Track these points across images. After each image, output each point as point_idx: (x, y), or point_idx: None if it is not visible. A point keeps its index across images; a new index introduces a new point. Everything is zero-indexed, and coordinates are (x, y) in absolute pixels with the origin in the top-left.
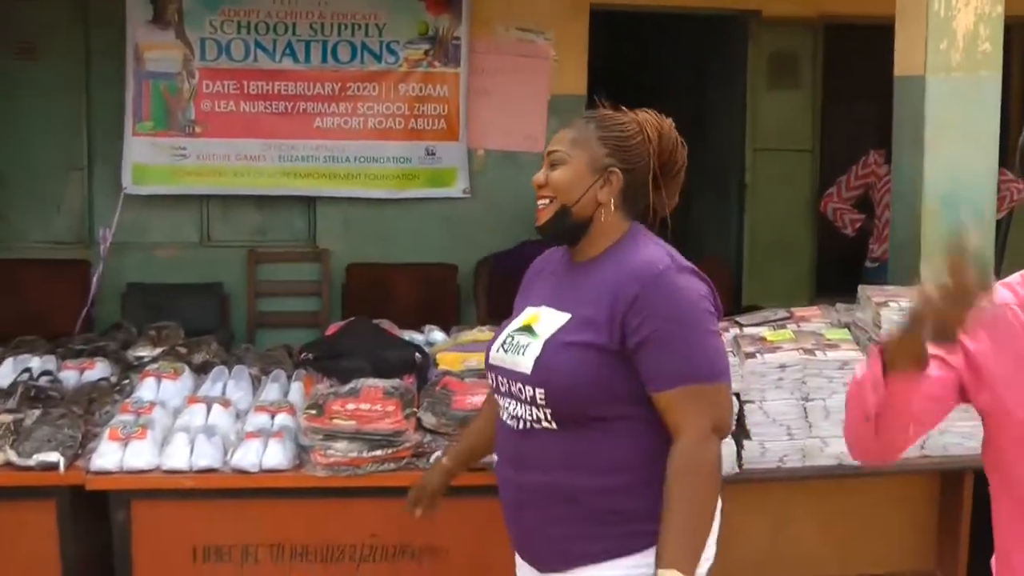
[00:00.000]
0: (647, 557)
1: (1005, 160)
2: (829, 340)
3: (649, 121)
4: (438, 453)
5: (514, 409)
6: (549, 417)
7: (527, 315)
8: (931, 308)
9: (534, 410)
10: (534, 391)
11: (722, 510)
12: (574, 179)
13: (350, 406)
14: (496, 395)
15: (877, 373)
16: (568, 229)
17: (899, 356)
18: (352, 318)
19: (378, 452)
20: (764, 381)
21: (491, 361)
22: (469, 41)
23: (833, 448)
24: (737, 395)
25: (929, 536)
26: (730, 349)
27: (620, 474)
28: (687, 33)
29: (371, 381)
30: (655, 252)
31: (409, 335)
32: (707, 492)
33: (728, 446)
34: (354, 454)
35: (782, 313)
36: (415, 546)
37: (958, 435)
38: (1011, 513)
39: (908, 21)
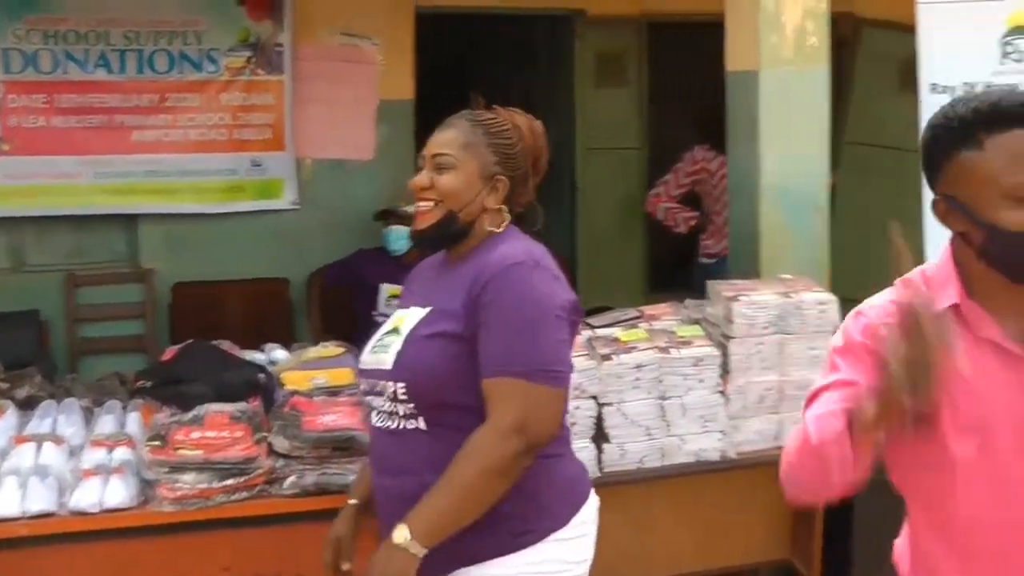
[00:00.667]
0: (523, 557)
1: None
2: (682, 337)
3: (525, 125)
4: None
5: (382, 408)
6: (414, 412)
7: (395, 318)
8: (901, 387)
9: (399, 407)
10: (395, 386)
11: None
12: (464, 185)
13: (195, 435)
14: (367, 399)
15: (844, 436)
16: (450, 235)
17: (880, 421)
18: (189, 341)
19: (229, 481)
20: (622, 382)
21: (361, 366)
22: (292, 48)
23: (691, 445)
24: (595, 398)
25: (785, 526)
26: (585, 352)
27: None
28: (514, 33)
29: (215, 406)
30: (517, 247)
31: (250, 355)
32: (480, 483)
33: (588, 451)
34: (203, 485)
35: (632, 313)
36: (269, 575)
37: None
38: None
39: (738, 17)
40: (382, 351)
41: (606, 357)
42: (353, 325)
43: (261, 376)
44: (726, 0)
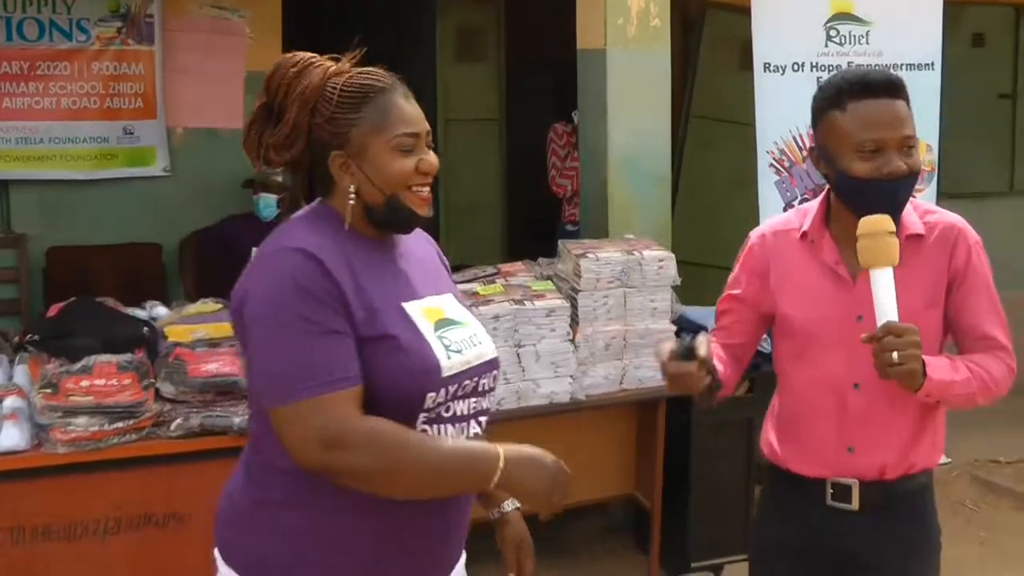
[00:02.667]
0: None
1: (673, 121)
2: (536, 291)
3: None
4: None
5: (477, 408)
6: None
7: (426, 310)
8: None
9: (493, 398)
10: (498, 373)
11: None
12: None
13: (84, 383)
14: (453, 409)
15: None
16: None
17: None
18: (73, 298)
19: (119, 424)
20: None
21: (452, 371)
22: (162, 19)
23: (544, 389)
24: None
25: (630, 463)
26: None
27: None
28: (379, 8)
29: (103, 357)
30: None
31: (132, 311)
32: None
33: None
34: (95, 428)
35: (490, 270)
36: (159, 514)
37: (651, 369)
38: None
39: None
40: (471, 346)
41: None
42: (224, 289)
43: (145, 330)
44: None
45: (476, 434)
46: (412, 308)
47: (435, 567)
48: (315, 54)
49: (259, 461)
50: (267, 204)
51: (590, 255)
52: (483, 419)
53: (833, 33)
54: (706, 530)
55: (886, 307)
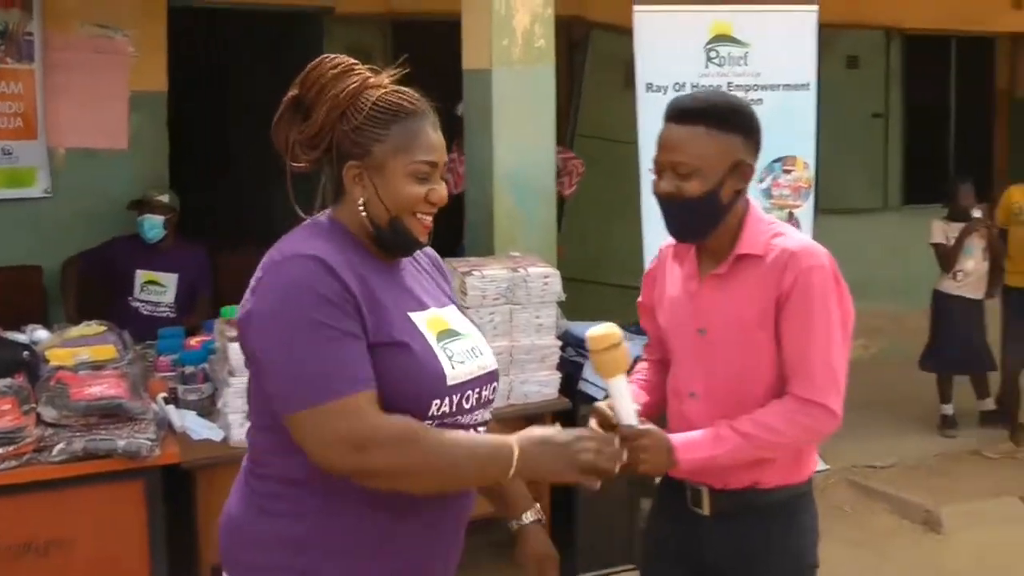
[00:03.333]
0: None
1: (560, 139)
2: None
3: None
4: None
5: (478, 420)
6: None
7: (430, 320)
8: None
9: (491, 409)
10: (497, 384)
11: None
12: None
13: None
14: (462, 419)
15: None
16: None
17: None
18: None
19: None
20: None
21: (453, 381)
22: (43, 37)
23: None
24: None
25: None
26: None
27: None
28: (267, 29)
29: None
30: None
31: (11, 335)
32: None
33: None
34: None
35: None
36: (40, 541)
37: (537, 383)
38: None
39: (473, 20)
40: (473, 356)
41: None
42: (107, 311)
43: (25, 353)
44: (462, 3)
45: None
46: (418, 318)
47: (439, 570)
48: (357, 61)
49: (262, 475)
50: (152, 225)
51: (475, 273)
52: (483, 430)
53: (713, 55)
54: (592, 541)
55: (623, 412)
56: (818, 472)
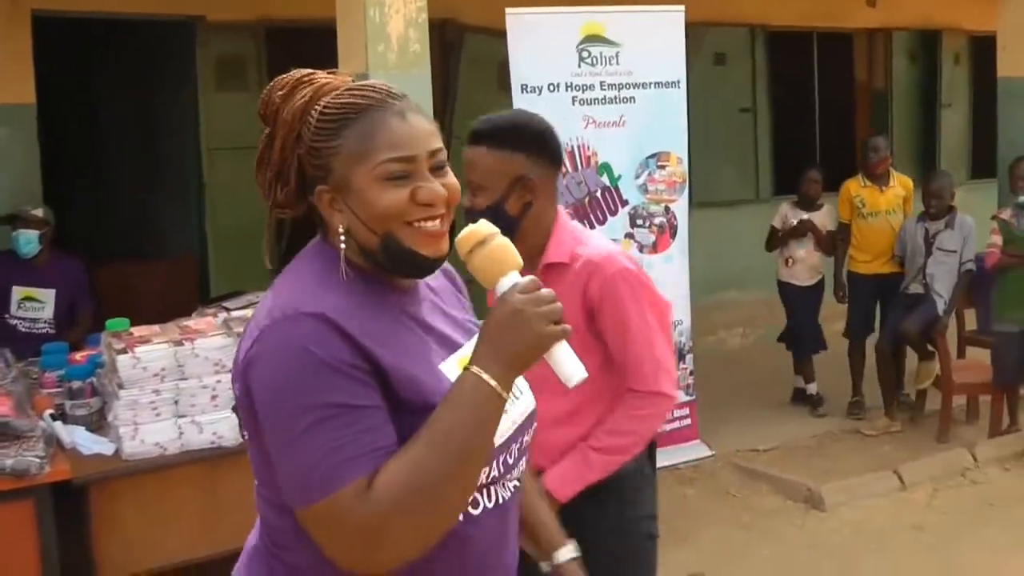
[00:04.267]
0: None
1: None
2: None
3: None
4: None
5: (520, 469)
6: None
7: (464, 361)
8: None
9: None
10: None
11: None
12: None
13: None
14: (502, 482)
15: None
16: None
17: None
18: None
19: None
20: None
21: (502, 438)
22: None
23: None
24: None
25: None
26: (223, 331)
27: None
28: (137, 40)
29: None
30: None
31: None
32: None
33: (230, 420)
34: None
35: (262, 295)
36: None
37: None
38: None
39: (347, 26)
40: (513, 400)
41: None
42: None
43: None
44: (337, 10)
45: (517, 488)
46: (449, 367)
47: None
48: (315, 71)
49: (292, 565)
50: (27, 240)
51: None
52: (511, 490)
53: (585, 54)
54: None
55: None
56: (704, 458)
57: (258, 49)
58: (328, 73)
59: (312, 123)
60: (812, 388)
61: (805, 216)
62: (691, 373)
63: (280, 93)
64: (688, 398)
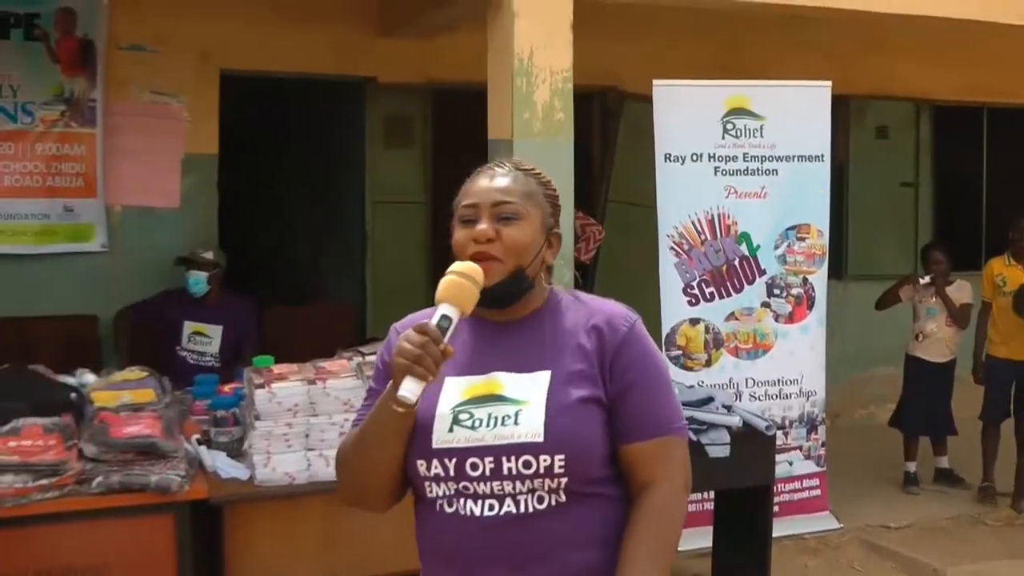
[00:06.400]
0: None
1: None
2: None
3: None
4: None
5: (507, 491)
6: (560, 487)
7: (474, 386)
8: None
9: (546, 482)
10: (551, 460)
11: None
12: (532, 238)
13: (12, 443)
14: (442, 486)
15: None
16: (518, 293)
17: None
18: (5, 365)
19: (43, 481)
20: None
21: (441, 445)
22: (105, 103)
23: None
24: None
25: None
26: (354, 374)
27: (607, 546)
28: (312, 97)
29: (30, 420)
30: (609, 302)
31: (63, 378)
32: (675, 545)
33: None
34: (19, 485)
35: None
36: (78, 567)
37: None
38: None
39: (497, 94)
40: (496, 425)
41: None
42: (155, 359)
43: (73, 395)
44: (489, 78)
45: (514, 514)
46: (455, 381)
47: None
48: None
49: None
50: (196, 281)
51: None
52: (527, 498)
53: (729, 126)
54: None
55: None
56: (831, 530)
57: (424, 109)
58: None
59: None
60: (912, 467)
61: (932, 291)
62: (823, 444)
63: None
64: (819, 469)
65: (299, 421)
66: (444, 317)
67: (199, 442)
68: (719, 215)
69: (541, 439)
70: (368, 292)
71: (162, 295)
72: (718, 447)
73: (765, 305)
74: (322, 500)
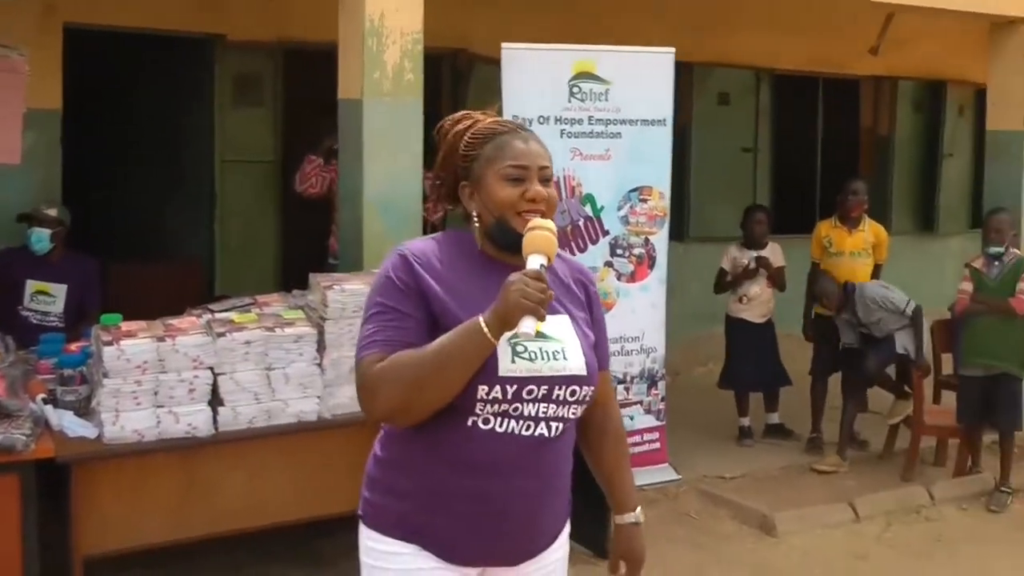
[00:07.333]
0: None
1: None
2: (286, 319)
3: None
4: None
5: (548, 414)
6: (577, 414)
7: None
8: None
9: (577, 409)
10: (589, 391)
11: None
12: (556, 196)
13: None
14: (494, 407)
15: None
16: None
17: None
18: None
19: None
20: (233, 356)
21: (506, 373)
22: None
23: (293, 408)
24: (211, 369)
25: None
26: (203, 331)
27: (572, 456)
28: (161, 53)
29: None
30: (574, 259)
31: None
32: None
33: (205, 413)
34: None
35: (247, 300)
36: None
37: None
38: None
39: (347, 53)
40: (551, 358)
41: (220, 335)
42: None
43: None
44: (340, 39)
45: (545, 436)
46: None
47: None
48: (473, 111)
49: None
50: (39, 238)
51: (336, 287)
52: (559, 425)
53: (576, 90)
54: None
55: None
56: (670, 481)
57: (275, 68)
58: (482, 113)
59: (466, 139)
60: (745, 421)
61: (751, 254)
62: (663, 400)
63: (450, 122)
64: (659, 423)
65: (148, 378)
66: (542, 266)
67: (45, 401)
68: (564, 177)
69: (584, 372)
70: (216, 250)
71: (2, 253)
72: None
73: (608, 264)
74: (174, 457)
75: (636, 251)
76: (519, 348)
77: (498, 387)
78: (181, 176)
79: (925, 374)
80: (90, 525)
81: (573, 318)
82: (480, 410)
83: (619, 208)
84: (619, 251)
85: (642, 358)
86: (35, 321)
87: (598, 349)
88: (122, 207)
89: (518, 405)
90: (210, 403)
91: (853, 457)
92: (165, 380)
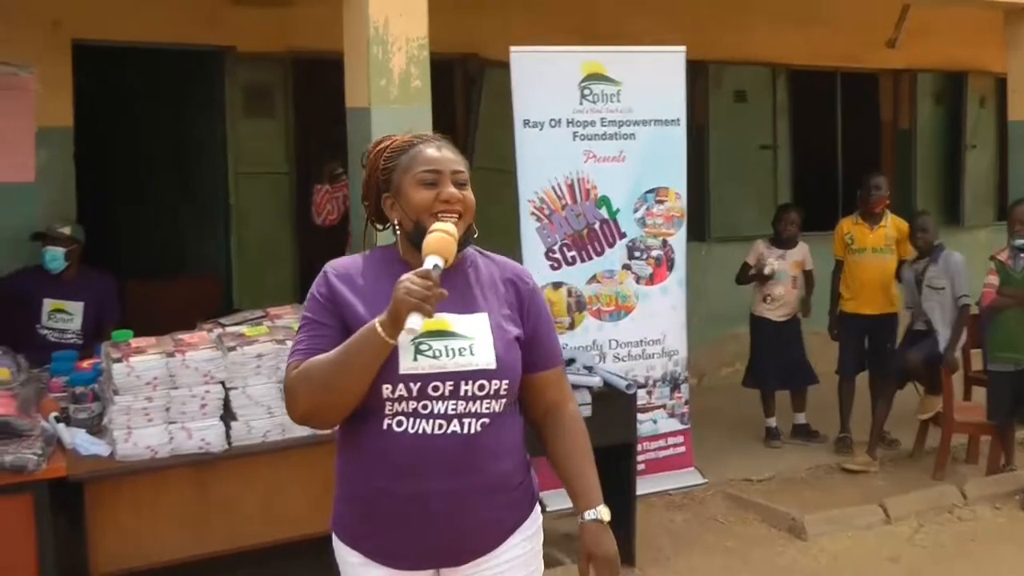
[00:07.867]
0: (534, 519)
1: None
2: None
3: None
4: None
5: (460, 411)
6: (501, 408)
7: (426, 323)
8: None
9: (493, 404)
10: (500, 384)
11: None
12: (473, 200)
13: None
14: (402, 405)
15: None
16: (466, 244)
17: None
18: None
19: None
20: (244, 369)
21: (407, 371)
22: None
23: None
24: (223, 383)
25: None
26: (213, 345)
27: (520, 451)
28: (169, 66)
29: None
30: (511, 261)
31: None
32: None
33: (218, 428)
34: None
35: (259, 313)
36: None
37: None
38: None
39: (353, 62)
40: (456, 355)
41: (231, 348)
42: (14, 337)
43: None
44: (345, 47)
45: (460, 434)
46: (417, 317)
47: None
48: (394, 135)
49: None
50: (53, 257)
51: None
52: (473, 421)
53: (587, 92)
54: None
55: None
56: (696, 485)
57: (285, 79)
58: (401, 133)
59: (385, 155)
60: (772, 422)
61: (779, 252)
62: (686, 403)
63: (371, 146)
64: (683, 427)
65: (159, 394)
66: (436, 267)
67: (57, 420)
68: (579, 179)
69: (494, 367)
70: (233, 263)
71: (17, 272)
72: (580, 407)
73: (626, 267)
74: (188, 473)
75: (654, 253)
76: (423, 347)
77: (401, 385)
78: (195, 190)
79: (952, 371)
80: (105, 543)
81: (493, 316)
82: (389, 410)
83: (635, 210)
84: (637, 254)
85: (664, 361)
86: (53, 339)
87: (540, 347)
88: (136, 222)
89: (427, 403)
90: (223, 418)
91: (883, 456)
92: (177, 396)
